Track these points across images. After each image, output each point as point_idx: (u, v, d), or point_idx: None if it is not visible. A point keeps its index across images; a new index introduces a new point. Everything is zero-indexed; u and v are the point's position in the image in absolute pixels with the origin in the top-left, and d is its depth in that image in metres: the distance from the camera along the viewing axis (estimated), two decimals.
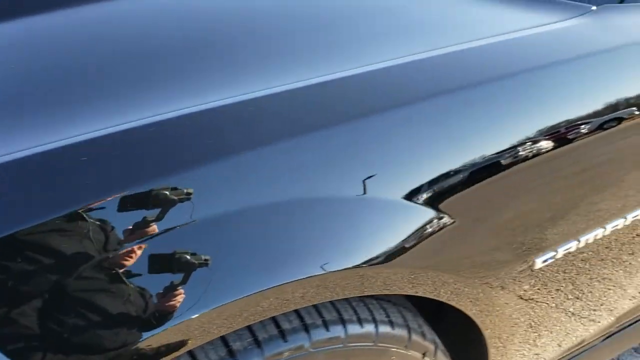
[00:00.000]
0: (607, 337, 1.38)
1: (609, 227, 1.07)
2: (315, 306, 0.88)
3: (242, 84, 0.84)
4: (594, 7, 1.07)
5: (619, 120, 1.00)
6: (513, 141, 0.91)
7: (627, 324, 1.41)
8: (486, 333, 1.02)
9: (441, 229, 0.87)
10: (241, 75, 0.87)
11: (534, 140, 0.91)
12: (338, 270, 0.78)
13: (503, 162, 0.89)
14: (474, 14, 1.10)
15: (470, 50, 0.95)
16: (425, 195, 0.84)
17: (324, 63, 0.89)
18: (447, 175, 0.86)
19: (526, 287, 1.02)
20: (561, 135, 0.94)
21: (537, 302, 1.07)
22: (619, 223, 1.09)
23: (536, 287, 1.04)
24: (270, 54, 0.93)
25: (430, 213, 0.85)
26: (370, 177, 0.81)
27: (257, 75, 0.87)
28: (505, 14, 1.09)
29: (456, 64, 0.93)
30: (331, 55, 0.91)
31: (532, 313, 1.08)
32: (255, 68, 0.89)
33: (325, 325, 0.88)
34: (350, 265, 0.80)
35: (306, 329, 0.88)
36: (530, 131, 0.92)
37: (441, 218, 0.86)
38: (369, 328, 0.90)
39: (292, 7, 1.09)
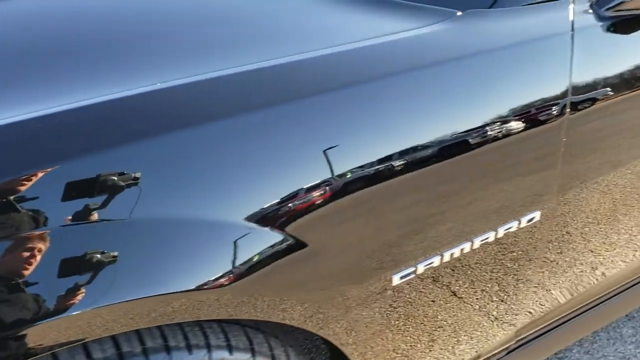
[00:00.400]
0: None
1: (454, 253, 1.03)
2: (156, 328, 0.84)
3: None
4: (459, 13, 1.03)
5: (479, 130, 0.96)
6: (362, 156, 0.86)
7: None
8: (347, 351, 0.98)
9: (286, 251, 0.82)
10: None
11: (385, 157, 0.87)
12: (155, 295, 0.74)
13: (350, 177, 0.85)
14: (335, 19, 1.05)
15: (318, 59, 0.90)
16: (266, 216, 0.80)
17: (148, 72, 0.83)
18: (289, 195, 0.81)
19: (387, 306, 0.98)
20: (413, 149, 0.90)
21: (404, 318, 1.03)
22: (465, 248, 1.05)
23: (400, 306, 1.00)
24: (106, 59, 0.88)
25: (273, 235, 0.81)
26: (203, 196, 0.76)
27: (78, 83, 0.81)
28: (368, 19, 1.05)
29: (301, 72, 0.88)
30: (152, 65, 0.86)
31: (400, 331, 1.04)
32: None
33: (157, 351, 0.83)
34: (175, 290, 0.75)
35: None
36: (380, 145, 0.88)
37: (285, 239, 0.82)
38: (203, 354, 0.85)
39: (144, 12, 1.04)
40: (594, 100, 1.09)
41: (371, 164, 0.86)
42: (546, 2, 1.09)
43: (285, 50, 0.90)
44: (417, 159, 0.90)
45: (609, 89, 1.10)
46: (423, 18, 1.02)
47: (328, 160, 0.84)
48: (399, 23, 1.01)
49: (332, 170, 0.84)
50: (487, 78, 0.98)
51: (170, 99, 0.80)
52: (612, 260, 1.43)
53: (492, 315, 1.24)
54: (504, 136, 0.99)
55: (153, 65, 0.86)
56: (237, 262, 0.79)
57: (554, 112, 1.04)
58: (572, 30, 1.06)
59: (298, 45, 0.92)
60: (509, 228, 1.07)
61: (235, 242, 0.78)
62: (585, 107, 1.08)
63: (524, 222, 1.08)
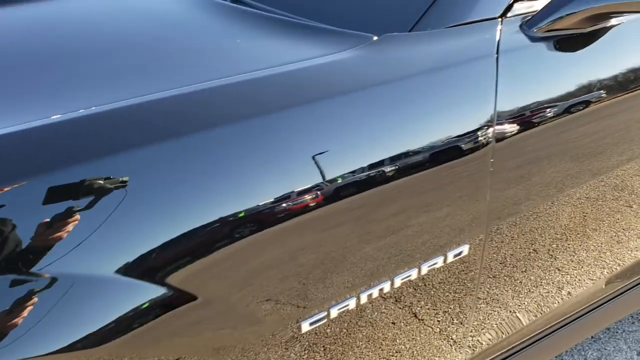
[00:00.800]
0: None
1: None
2: None
3: None
4: (375, 37, 0.97)
5: (396, 162, 0.90)
6: (262, 194, 0.80)
7: None
8: None
9: (172, 304, 0.76)
10: None
11: (288, 193, 0.81)
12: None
13: (246, 218, 0.78)
14: (244, 45, 0.99)
15: (218, 89, 0.84)
16: (147, 268, 0.73)
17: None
18: (172, 243, 0.74)
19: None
20: (321, 185, 0.83)
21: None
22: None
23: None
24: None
25: (155, 288, 0.74)
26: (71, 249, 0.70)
27: None
28: (279, 45, 0.98)
29: (195, 105, 0.82)
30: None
31: None
32: None
33: None
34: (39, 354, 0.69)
35: None
36: (284, 183, 0.82)
37: (170, 292, 0.75)
38: None
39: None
40: (521, 126, 1.03)
41: (275, 201, 0.80)
42: (472, 23, 1.03)
43: (179, 80, 0.84)
44: (327, 196, 0.84)
45: (537, 113, 1.05)
46: (335, 44, 0.96)
47: (223, 200, 0.77)
48: (309, 49, 0.95)
49: (231, 211, 0.77)
50: (403, 107, 0.91)
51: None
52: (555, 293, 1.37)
53: (452, 339, 1.18)
54: (425, 168, 0.93)
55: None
56: (114, 320, 0.72)
57: (480, 140, 0.98)
58: (497, 53, 1.00)
59: (198, 73, 0.86)
60: (434, 264, 1.01)
61: (110, 298, 0.72)
62: (512, 134, 1.02)
63: (450, 257, 1.02)
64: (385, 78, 0.91)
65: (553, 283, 1.35)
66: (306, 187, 0.82)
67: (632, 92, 1.18)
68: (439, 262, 1.01)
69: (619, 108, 1.19)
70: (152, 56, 0.95)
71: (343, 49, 0.94)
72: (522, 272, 1.25)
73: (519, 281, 1.29)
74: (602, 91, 1.13)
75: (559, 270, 1.36)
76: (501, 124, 1.00)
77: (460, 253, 1.03)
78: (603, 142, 1.23)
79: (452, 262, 1.03)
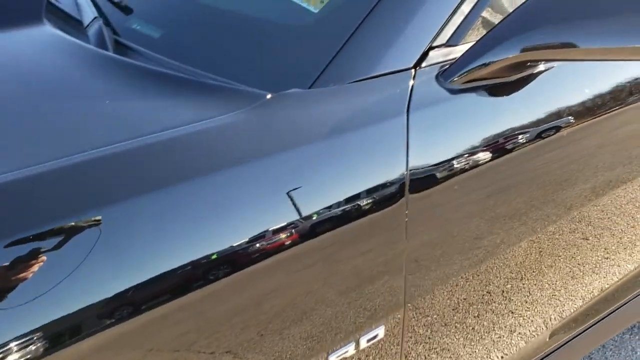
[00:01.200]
0: None
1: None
2: None
3: None
4: (269, 95, 0.86)
5: (290, 237, 0.78)
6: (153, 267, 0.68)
7: None
8: None
9: None
10: None
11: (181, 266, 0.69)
12: None
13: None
14: (125, 106, 0.86)
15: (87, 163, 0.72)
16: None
17: None
18: None
19: None
20: (210, 263, 0.71)
21: None
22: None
23: None
24: None
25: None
26: None
27: None
28: (161, 106, 0.86)
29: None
30: None
31: None
32: None
33: None
34: None
35: None
36: (172, 259, 0.70)
37: None
38: None
39: None
40: (436, 185, 0.92)
41: (163, 276, 0.68)
42: (381, 76, 0.93)
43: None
44: (217, 272, 0.72)
45: (454, 174, 0.94)
46: (221, 105, 0.84)
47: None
48: (189, 111, 0.83)
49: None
50: (296, 175, 0.79)
51: None
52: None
53: None
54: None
55: None
56: None
57: (390, 207, 0.87)
58: (408, 110, 0.90)
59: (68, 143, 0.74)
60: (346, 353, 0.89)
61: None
62: (427, 195, 0.91)
63: (363, 342, 0.90)
64: (274, 146, 0.80)
65: (506, 327, 1.25)
66: (182, 271, 0.70)
67: (552, 138, 1.08)
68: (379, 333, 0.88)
69: (539, 156, 1.09)
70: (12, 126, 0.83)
71: (229, 111, 0.82)
72: (474, 317, 1.15)
73: (471, 328, 1.19)
74: (524, 139, 1.03)
75: (512, 313, 1.27)
76: (415, 193, 0.89)
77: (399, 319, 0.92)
78: (531, 187, 1.13)
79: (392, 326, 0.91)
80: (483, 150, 0.97)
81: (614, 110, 1.18)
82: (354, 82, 0.90)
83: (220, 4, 1.07)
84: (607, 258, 1.49)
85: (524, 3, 0.94)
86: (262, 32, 0.97)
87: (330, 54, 0.92)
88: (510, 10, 0.96)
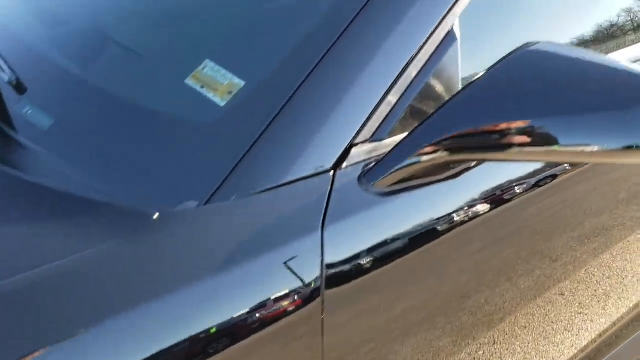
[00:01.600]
0: None
1: None
2: None
3: None
4: (156, 216, 0.73)
5: None
6: None
7: None
8: None
9: None
10: None
11: None
12: None
13: None
14: None
15: None
16: None
17: None
18: None
19: None
20: None
21: None
22: None
23: None
24: None
25: None
26: None
27: None
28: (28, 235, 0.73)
29: None
30: None
31: None
32: None
33: None
34: None
35: None
36: None
37: None
38: None
39: None
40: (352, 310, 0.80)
41: None
42: (294, 182, 0.80)
43: None
44: None
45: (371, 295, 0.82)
46: (96, 231, 0.71)
47: None
48: (61, 238, 0.70)
49: None
50: (168, 329, 0.67)
51: None
52: None
53: None
54: None
55: None
56: None
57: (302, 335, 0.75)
58: (324, 221, 0.78)
59: None
60: None
61: None
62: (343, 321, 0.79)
63: None
64: (159, 281, 0.67)
65: None
66: None
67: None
68: None
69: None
70: None
71: (104, 239, 0.69)
72: None
73: None
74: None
75: None
76: (331, 312, 0.77)
77: None
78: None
79: None
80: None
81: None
82: (261, 192, 0.78)
83: (122, 90, 0.92)
84: (580, 313, 1.39)
85: (461, 90, 0.83)
86: (154, 130, 0.83)
87: (235, 158, 0.79)
88: (446, 99, 0.85)
